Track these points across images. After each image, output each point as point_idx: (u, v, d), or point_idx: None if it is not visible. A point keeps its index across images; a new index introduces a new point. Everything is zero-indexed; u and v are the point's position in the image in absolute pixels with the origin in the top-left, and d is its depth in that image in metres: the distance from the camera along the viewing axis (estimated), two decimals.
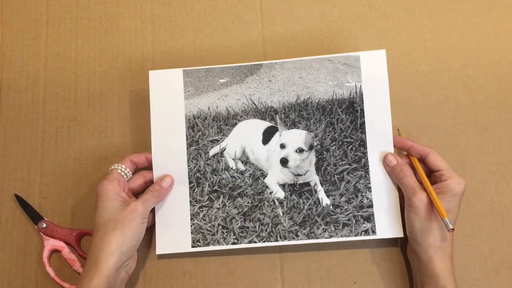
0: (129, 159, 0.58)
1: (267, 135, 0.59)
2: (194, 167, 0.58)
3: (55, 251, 0.59)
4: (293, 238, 0.57)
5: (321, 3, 0.68)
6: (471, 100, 0.64)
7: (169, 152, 0.59)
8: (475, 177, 0.61)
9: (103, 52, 0.66)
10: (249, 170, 0.59)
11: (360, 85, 0.58)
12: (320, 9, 0.67)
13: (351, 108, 0.58)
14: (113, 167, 0.57)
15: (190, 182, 0.58)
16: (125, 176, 0.57)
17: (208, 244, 0.57)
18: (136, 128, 0.63)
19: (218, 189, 0.58)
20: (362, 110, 0.58)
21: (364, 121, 0.58)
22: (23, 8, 0.68)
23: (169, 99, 0.59)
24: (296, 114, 0.59)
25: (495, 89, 0.64)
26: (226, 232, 0.57)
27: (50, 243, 0.58)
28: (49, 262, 0.58)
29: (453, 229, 0.51)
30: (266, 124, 0.59)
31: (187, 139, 0.59)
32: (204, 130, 0.59)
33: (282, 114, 0.59)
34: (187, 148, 0.59)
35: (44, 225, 0.59)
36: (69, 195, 0.61)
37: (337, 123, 0.58)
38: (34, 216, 0.60)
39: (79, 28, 0.67)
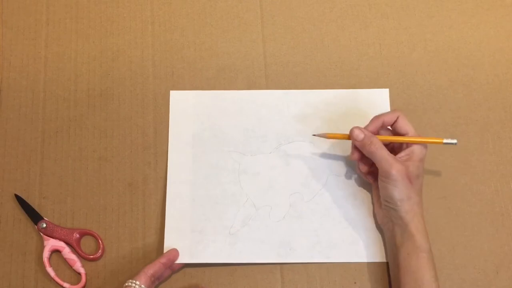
0: (144, 274, 0.54)
1: None
2: None
3: (55, 251, 0.59)
4: None
5: (321, 3, 0.68)
6: (471, 100, 0.64)
7: None
8: (475, 177, 0.61)
9: (103, 52, 0.66)
10: None
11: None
12: (320, 9, 0.67)
13: None
14: (127, 284, 0.53)
15: None
16: None
17: None
18: (136, 128, 0.63)
19: None
20: None
21: None
22: (23, 8, 0.68)
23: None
24: None
25: (495, 89, 0.64)
26: None
27: (50, 243, 0.58)
28: (49, 262, 0.58)
29: (456, 143, 0.55)
30: None
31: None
32: None
33: None
34: None
35: (44, 225, 0.59)
36: (69, 195, 0.61)
37: None
38: (34, 216, 0.59)
39: (79, 28, 0.67)
